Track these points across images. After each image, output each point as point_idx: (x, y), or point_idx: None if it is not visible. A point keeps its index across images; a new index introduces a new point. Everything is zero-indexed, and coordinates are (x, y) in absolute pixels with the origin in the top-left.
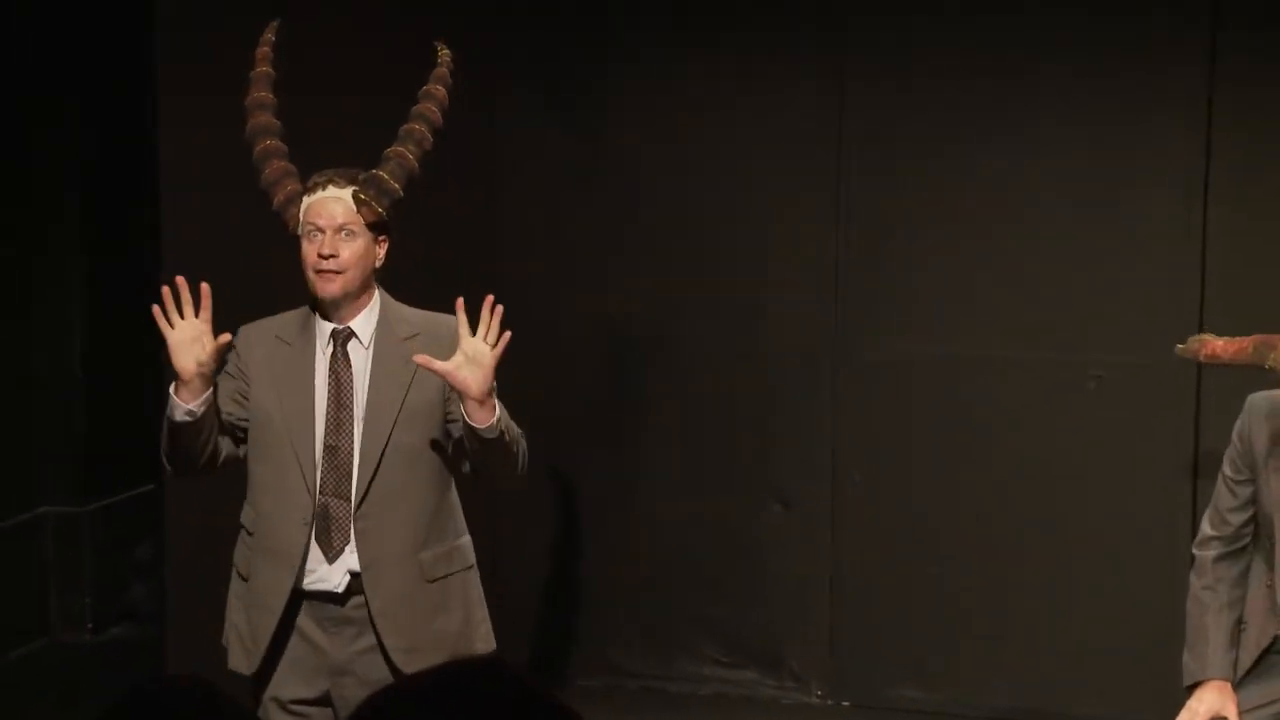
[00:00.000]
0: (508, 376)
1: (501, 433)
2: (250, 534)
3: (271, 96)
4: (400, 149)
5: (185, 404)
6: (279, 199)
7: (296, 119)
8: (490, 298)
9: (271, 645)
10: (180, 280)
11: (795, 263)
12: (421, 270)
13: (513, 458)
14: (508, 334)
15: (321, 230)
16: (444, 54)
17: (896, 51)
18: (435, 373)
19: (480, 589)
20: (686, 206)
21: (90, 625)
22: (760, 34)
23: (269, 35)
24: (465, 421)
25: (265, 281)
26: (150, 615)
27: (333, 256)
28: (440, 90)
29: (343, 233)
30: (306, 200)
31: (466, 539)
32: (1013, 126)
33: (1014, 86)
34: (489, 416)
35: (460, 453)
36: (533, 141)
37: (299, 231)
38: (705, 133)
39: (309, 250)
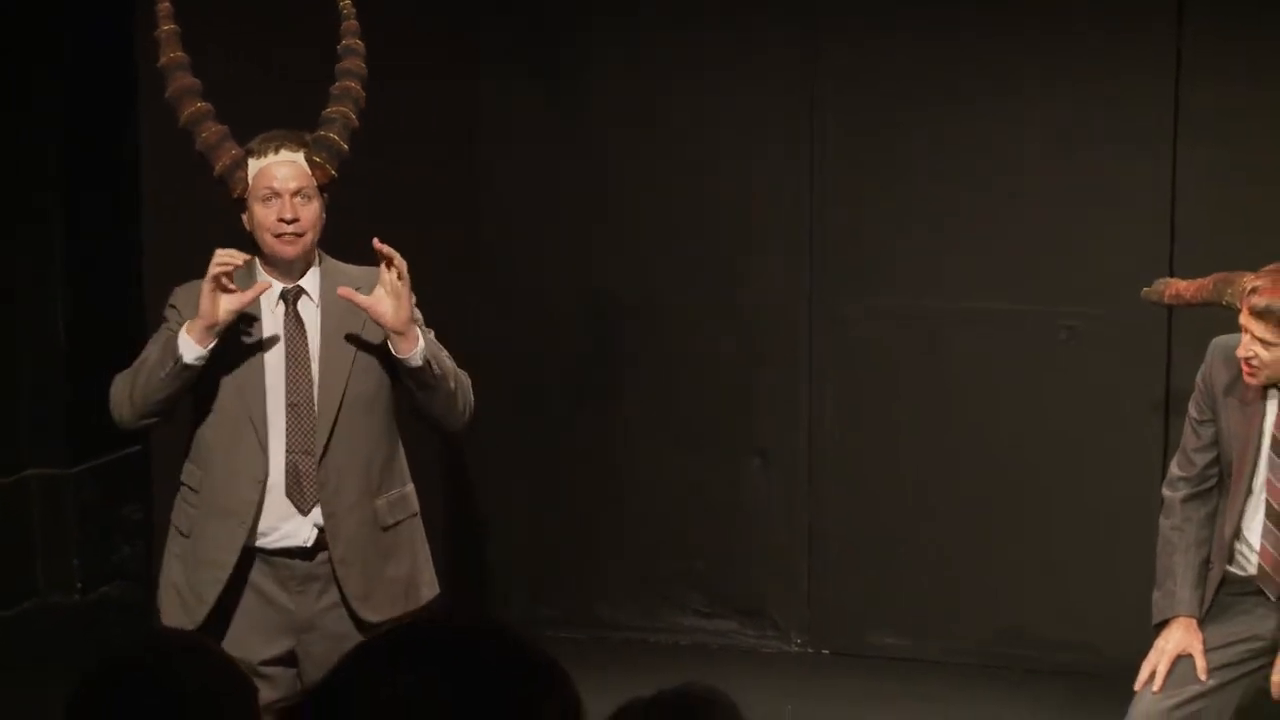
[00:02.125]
0: (495, 340)
1: (427, 362)
2: (195, 492)
3: (185, 55)
4: (342, 109)
5: (202, 347)
6: (223, 163)
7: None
8: (375, 239)
9: (221, 603)
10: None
11: (770, 222)
12: (407, 242)
13: (448, 397)
14: (402, 262)
15: (278, 194)
16: (345, 4)
17: (868, 14)
18: (357, 305)
19: (424, 536)
20: (665, 172)
21: (79, 585)
22: (734, 1)
23: None
24: (392, 354)
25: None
26: (138, 574)
27: (295, 220)
28: (360, 44)
29: (300, 196)
30: (256, 164)
31: (411, 487)
32: (984, 85)
33: (986, 46)
34: (411, 346)
35: (403, 398)
36: (515, 113)
37: (246, 195)
38: (682, 101)
39: (265, 214)
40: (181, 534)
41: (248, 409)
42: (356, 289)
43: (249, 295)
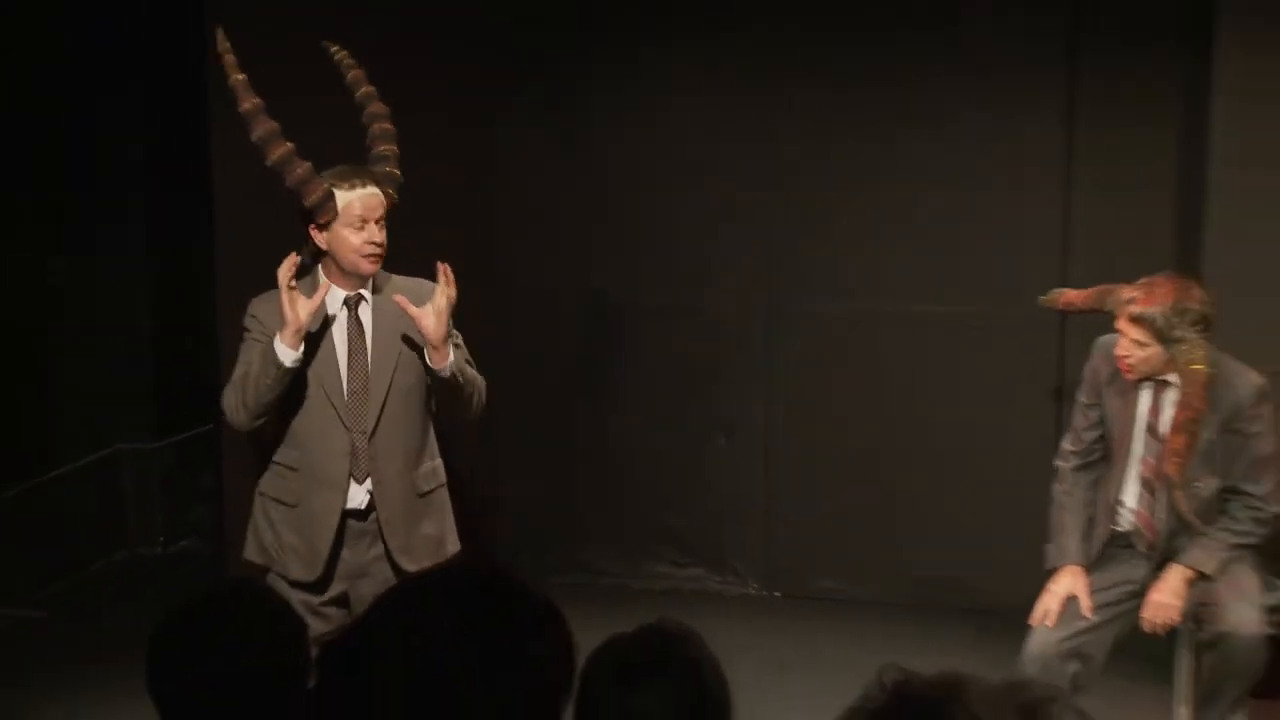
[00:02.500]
0: (506, 334)
1: (454, 374)
2: (294, 470)
3: (260, 100)
4: (392, 147)
5: (295, 350)
6: (314, 197)
7: (304, 118)
8: (443, 264)
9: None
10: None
11: (736, 235)
12: (430, 251)
13: (466, 399)
14: (453, 291)
15: (367, 221)
16: (340, 54)
17: (824, 60)
18: (408, 313)
19: (450, 502)
20: (649, 191)
21: (162, 540)
22: (712, 42)
23: (224, 45)
24: (426, 362)
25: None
26: (211, 531)
27: (381, 244)
28: (374, 88)
29: (380, 222)
30: (345, 196)
31: (440, 461)
32: (916, 121)
33: (917, 88)
34: (442, 360)
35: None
36: (525, 141)
37: (333, 220)
38: (664, 130)
39: (355, 237)
40: (287, 505)
41: (330, 396)
42: (402, 295)
43: (318, 298)
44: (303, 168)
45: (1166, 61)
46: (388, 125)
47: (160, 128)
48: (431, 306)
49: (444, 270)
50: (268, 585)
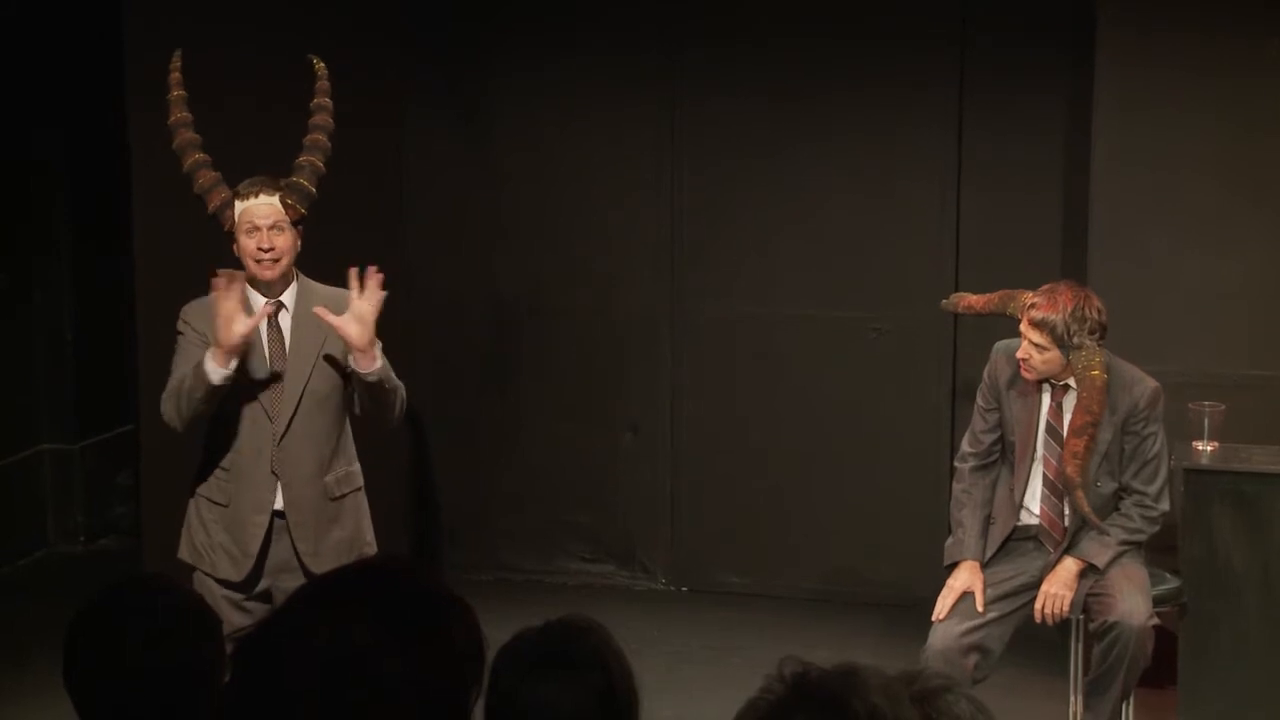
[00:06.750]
0: (414, 336)
1: (380, 380)
2: (226, 470)
3: (189, 115)
4: (311, 158)
5: (225, 369)
6: (215, 204)
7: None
8: (372, 267)
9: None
10: (225, 273)
11: (640, 242)
12: (343, 256)
13: (391, 403)
14: (383, 294)
15: (259, 228)
16: (320, 67)
17: (720, 72)
18: (329, 324)
19: (367, 507)
20: (555, 199)
21: (82, 538)
22: (611, 57)
23: (176, 63)
24: (352, 368)
25: (218, 260)
26: (130, 529)
27: (271, 249)
28: (329, 102)
29: (275, 229)
30: (241, 204)
31: (357, 466)
32: (812, 131)
33: (813, 100)
34: (370, 364)
35: (353, 398)
36: (434, 151)
37: (234, 229)
38: (569, 139)
39: (249, 244)
40: (219, 504)
41: (259, 400)
42: (323, 305)
43: (253, 321)
44: (207, 177)
45: (1051, 72)
46: (319, 137)
47: (83, 144)
48: (352, 313)
49: (372, 276)
50: (181, 581)
